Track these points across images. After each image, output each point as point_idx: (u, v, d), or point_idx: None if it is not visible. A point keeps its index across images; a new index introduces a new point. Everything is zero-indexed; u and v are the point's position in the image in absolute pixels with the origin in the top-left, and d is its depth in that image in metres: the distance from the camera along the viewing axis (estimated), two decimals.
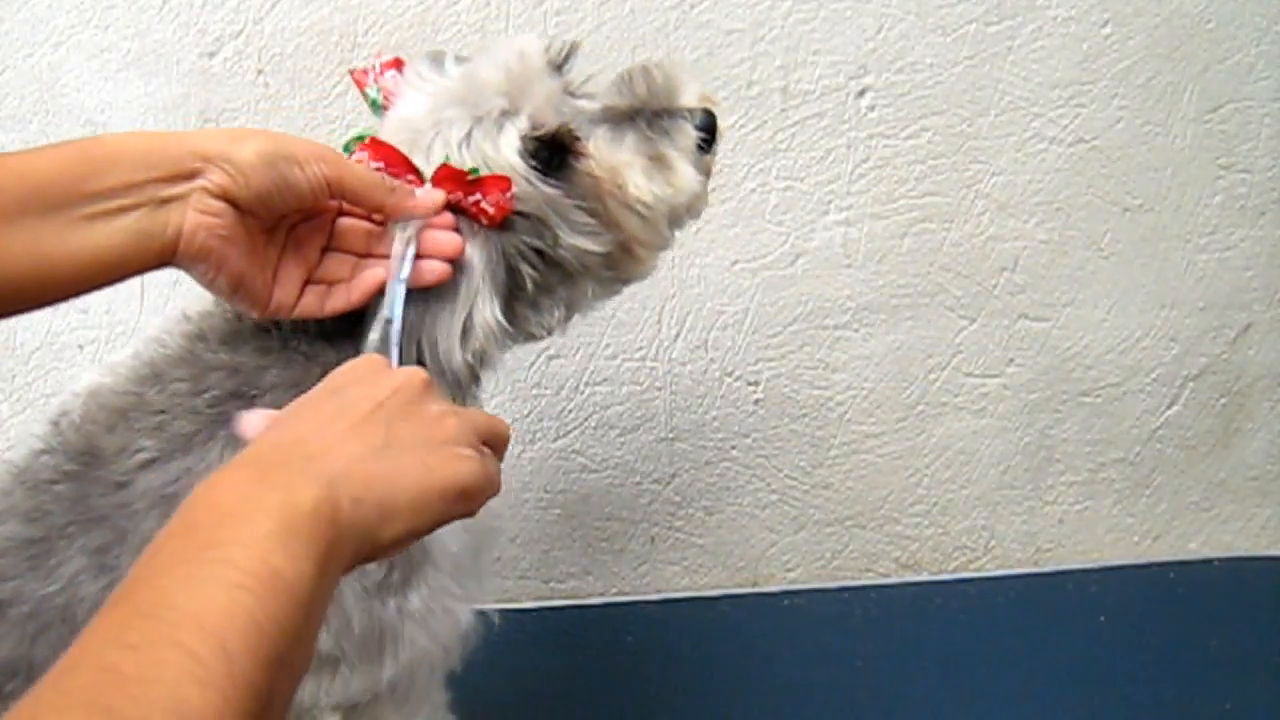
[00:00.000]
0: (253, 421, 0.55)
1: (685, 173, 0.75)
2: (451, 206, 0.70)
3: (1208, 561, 1.35)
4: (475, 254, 0.71)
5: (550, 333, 0.79)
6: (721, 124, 0.78)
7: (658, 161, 0.75)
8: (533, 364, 1.24)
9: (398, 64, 0.76)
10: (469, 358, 0.70)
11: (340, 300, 0.70)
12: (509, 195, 0.70)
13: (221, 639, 0.40)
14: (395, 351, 0.67)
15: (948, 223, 1.25)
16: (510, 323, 0.74)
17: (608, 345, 1.25)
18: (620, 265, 0.78)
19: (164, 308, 1.17)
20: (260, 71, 1.13)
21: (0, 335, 1.18)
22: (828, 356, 1.28)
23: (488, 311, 0.71)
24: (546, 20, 1.14)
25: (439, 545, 0.75)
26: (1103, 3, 1.20)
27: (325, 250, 0.71)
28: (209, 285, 0.67)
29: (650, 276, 0.81)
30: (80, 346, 1.19)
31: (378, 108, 0.76)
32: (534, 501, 1.30)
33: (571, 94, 0.76)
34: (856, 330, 1.28)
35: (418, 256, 0.69)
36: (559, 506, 1.30)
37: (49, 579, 0.66)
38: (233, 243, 0.64)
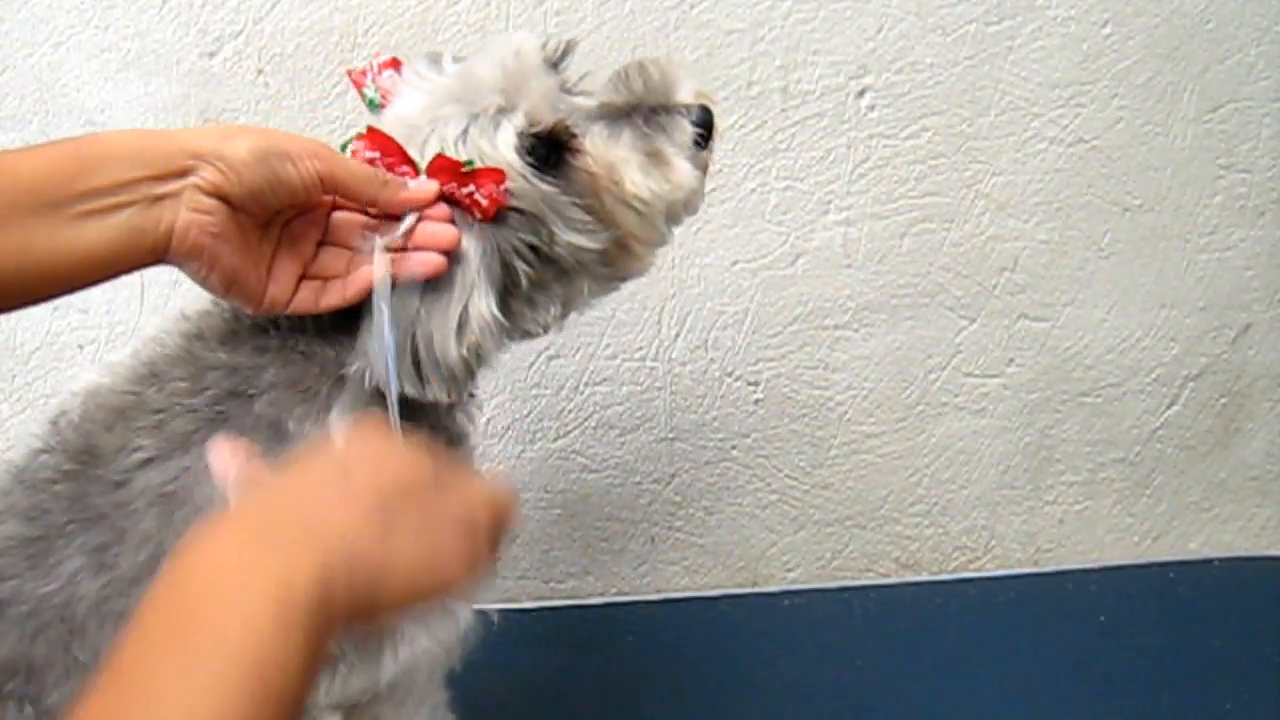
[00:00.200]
0: (223, 454, 0.55)
1: (682, 169, 0.75)
2: (446, 199, 0.70)
3: (1208, 561, 1.34)
4: (471, 247, 0.71)
5: (547, 330, 0.78)
6: (718, 120, 0.77)
7: (654, 158, 0.74)
8: (533, 364, 1.24)
9: (395, 64, 0.76)
10: (464, 352, 0.70)
11: (336, 296, 0.70)
12: (503, 187, 0.70)
13: None
14: (390, 377, 0.67)
15: (948, 223, 1.25)
16: (506, 319, 0.73)
17: (608, 345, 1.25)
18: (617, 262, 0.78)
19: (164, 307, 1.17)
20: (260, 71, 1.13)
21: (0, 335, 1.19)
22: (828, 356, 1.28)
23: (483, 305, 0.71)
24: (546, 20, 1.14)
25: None
26: (1103, 3, 1.20)
27: (320, 245, 0.71)
28: (202, 283, 0.67)
29: (647, 274, 0.81)
30: (80, 346, 1.20)
31: (375, 107, 0.76)
32: (534, 501, 1.30)
33: (568, 91, 0.76)
34: (856, 330, 1.28)
35: (414, 249, 0.69)
36: (559, 506, 1.30)
37: (48, 577, 0.66)
38: (225, 240, 0.64)
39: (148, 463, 0.68)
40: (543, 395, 1.26)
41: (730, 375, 1.28)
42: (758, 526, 1.34)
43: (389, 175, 0.69)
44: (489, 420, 1.25)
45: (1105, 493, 1.38)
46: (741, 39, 1.17)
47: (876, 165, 1.22)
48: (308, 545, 0.46)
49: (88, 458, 0.68)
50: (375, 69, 0.75)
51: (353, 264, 0.70)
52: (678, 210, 0.77)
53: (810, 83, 1.19)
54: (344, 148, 0.70)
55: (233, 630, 0.42)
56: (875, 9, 1.17)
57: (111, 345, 1.19)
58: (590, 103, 0.76)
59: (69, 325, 1.19)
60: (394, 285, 0.68)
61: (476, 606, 0.80)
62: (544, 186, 0.72)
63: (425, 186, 0.70)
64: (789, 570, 1.36)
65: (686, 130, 0.75)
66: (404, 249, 0.69)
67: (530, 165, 0.71)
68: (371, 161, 0.69)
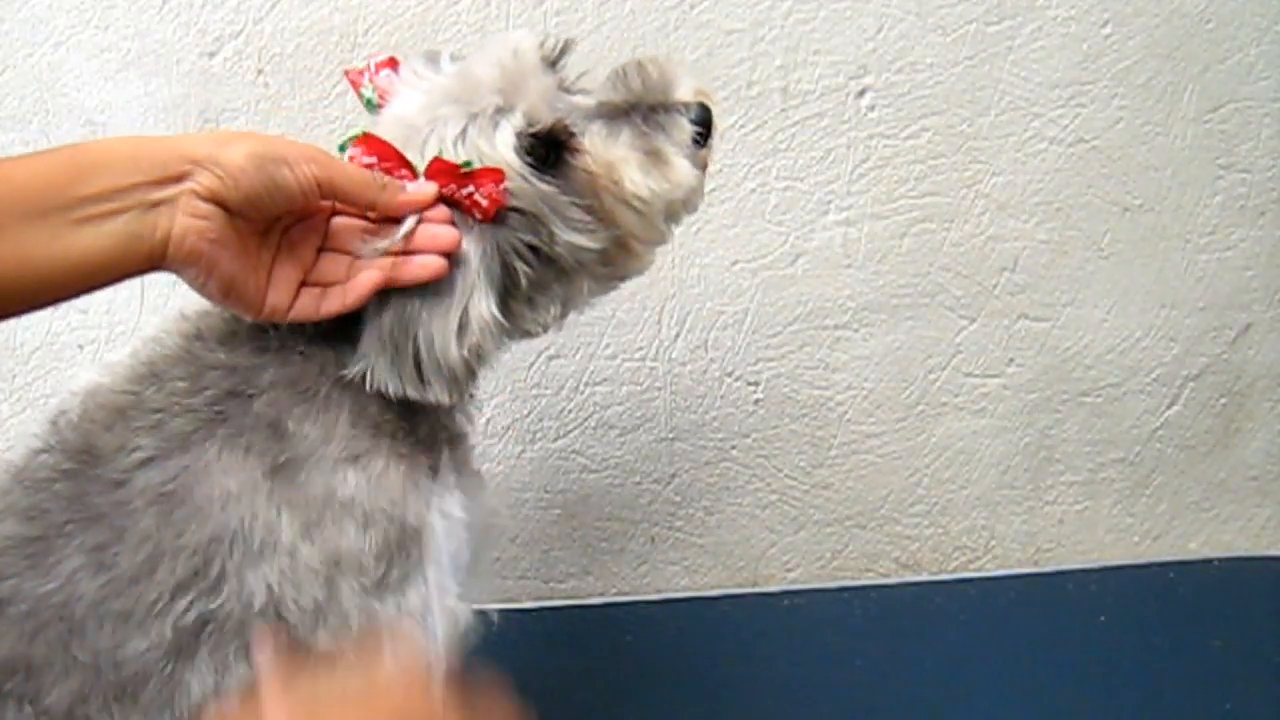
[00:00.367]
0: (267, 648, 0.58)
1: (681, 167, 0.75)
2: (445, 200, 0.70)
3: (1208, 561, 1.34)
4: (470, 248, 0.71)
5: (547, 330, 0.78)
6: (718, 118, 0.77)
7: (653, 156, 0.74)
8: (533, 364, 1.25)
9: (393, 64, 0.76)
10: (465, 353, 0.70)
11: (336, 302, 0.70)
12: (502, 188, 0.70)
13: None
14: None
15: (948, 223, 1.25)
16: (506, 320, 0.73)
17: (608, 345, 1.25)
18: (616, 261, 0.78)
19: (164, 307, 1.17)
20: (260, 71, 1.13)
21: (0, 335, 1.19)
22: (828, 356, 1.28)
23: (484, 306, 0.71)
24: (546, 20, 1.14)
25: (438, 544, 0.75)
26: (1103, 3, 1.20)
27: (320, 251, 0.70)
28: (201, 290, 0.67)
29: (647, 274, 0.81)
30: (80, 346, 1.20)
31: (373, 107, 0.76)
32: (534, 501, 1.30)
33: (566, 90, 0.76)
34: (856, 330, 1.28)
35: (414, 252, 0.69)
36: (559, 506, 1.30)
37: (47, 577, 0.66)
38: (223, 246, 0.64)
39: (147, 462, 0.68)
40: (543, 395, 1.26)
41: (730, 375, 1.28)
42: (758, 526, 1.34)
43: (387, 179, 0.69)
44: (489, 420, 1.25)
45: (1105, 493, 1.38)
46: (741, 39, 1.17)
47: (876, 165, 1.22)
48: None
49: (87, 457, 0.68)
50: (372, 69, 0.75)
51: (353, 269, 0.70)
52: (677, 209, 0.77)
53: (810, 83, 1.19)
54: (341, 149, 0.70)
55: None
56: (875, 9, 1.17)
57: (111, 345, 1.19)
58: (589, 102, 0.76)
59: (69, 325, 1.19)
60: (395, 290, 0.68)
61: (477, 606, 0.80)
62: (543, 186, 0.72)
63: (424, 189, 0.69)
64: (789, 570, 1.36)
65: (685, 128, 0.75)
66: (404, 252, 0.69)
67: (529, 165, 0.71)
68: (369, 166, 0.69)
